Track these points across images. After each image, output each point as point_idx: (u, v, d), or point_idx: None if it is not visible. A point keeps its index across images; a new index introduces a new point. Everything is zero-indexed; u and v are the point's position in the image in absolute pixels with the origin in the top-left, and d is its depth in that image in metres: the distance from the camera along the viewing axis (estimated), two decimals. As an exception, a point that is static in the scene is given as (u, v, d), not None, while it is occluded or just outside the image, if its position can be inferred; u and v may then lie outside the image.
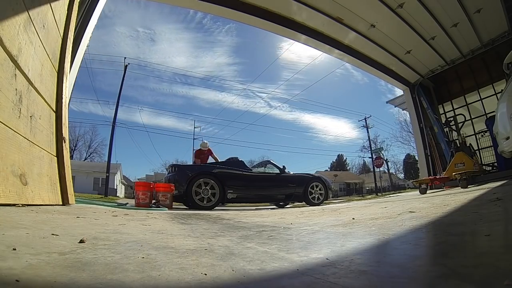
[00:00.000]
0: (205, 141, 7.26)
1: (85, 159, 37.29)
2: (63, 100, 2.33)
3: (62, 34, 2.38)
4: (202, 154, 7.04)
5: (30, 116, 1.67)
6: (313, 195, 5.84)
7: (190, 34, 73.73)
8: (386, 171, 36.26)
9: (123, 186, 36.28)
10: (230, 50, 76.92)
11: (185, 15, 66.33)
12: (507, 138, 3.53)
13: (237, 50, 78.62)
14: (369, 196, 16.58)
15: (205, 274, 0.61)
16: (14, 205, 1.35)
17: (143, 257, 0.73)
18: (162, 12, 62.87)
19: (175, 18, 69.29)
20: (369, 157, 30.40)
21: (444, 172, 6.28)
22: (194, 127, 35.00)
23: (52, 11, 2.04)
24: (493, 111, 4.94)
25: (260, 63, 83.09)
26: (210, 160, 7.02)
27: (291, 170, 6.22)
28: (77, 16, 2.88)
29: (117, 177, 31.70)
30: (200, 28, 71.70)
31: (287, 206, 6.28)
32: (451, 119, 6.81)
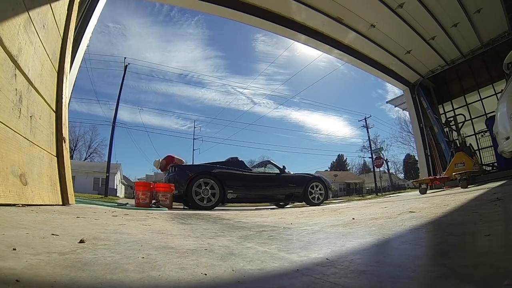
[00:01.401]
0: (158, 160, 5.71)
1: (85, 159, 37.33)
2: (63, 100, 2.33)
3: (62, 34, 2.37)
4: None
5: (30, 116, 1.67)
6: (313, 195, 5.84)
7: (159, 28, 71.24)
8: (386, 171, 36.28)
9: (123, 186, 36.29)
10: (203, 43, 75.01)
11: (151, 8, 63.88)
12: (507, 138, 3.53)
13: (212, 43, 76.57)
14: (369, 196, 16.58)
15: (205, 274, 0.61)
16: (14, 205, 1.35)
17: (143, 257, 0.73)
18: (128, 7, 59.88)
19: (142, 12, 66.87)
20: (369, 157, 30.44)
21: (444, 172, 6.28)
22: (194, 127, 35.10)
23: (52, 11, 2.04)
24: (493, 111, 4.94)
25: (240, 56, 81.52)
26: None
27: (291, 170, 6.23)
28: (77, 16, 2.88)
29: (117, 177, 31.71)
30: (169, 20, 69.24)
31: (287, 206, 6.28)
32: (451, 119, 6.81)
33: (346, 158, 59.23)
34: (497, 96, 6.85)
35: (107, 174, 15.45)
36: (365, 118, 31.46)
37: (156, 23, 69.15)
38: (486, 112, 7.36)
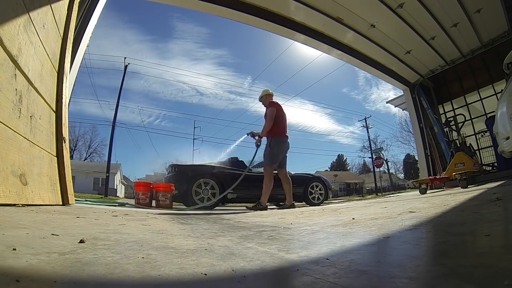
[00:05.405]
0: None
1: (85, 159, 37.36)
2: (63, 100, 2.33)
3: (62, 34, 2.37)
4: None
5: (30, 116, 1.67)
6: (313, 195, 5.84)
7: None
8: (386, 171, 36.30)
9: (123, 186, 36.29)
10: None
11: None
12: (507, 138, 3.53)
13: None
14: (369, 196, 16.58)
15: (205, 274, 0.61)
16: (14, 205, 1.35)
17: (143, 257, 0.73)
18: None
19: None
20: (369, 157, 30.46)
21: (444, 172, 6.27)
22: (194, 127, 35.13)
23: (52, 11, 2.04)
24: (493, 111, 4.94)
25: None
26: None
27: (291, 170, 6.22)
28: (77, 16, 2.87)
29: (117, 177, 31.72)
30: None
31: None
32: (451, 119, 6.81)
33: (346, 158, 59.36)
34: (497, 96, 6.85)
35: (107, 174, 15.47)
36: (365, 118, 31.51)
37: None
38: (486, 112, 7.36)
